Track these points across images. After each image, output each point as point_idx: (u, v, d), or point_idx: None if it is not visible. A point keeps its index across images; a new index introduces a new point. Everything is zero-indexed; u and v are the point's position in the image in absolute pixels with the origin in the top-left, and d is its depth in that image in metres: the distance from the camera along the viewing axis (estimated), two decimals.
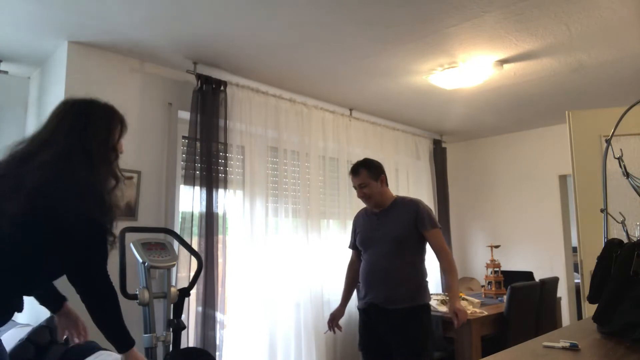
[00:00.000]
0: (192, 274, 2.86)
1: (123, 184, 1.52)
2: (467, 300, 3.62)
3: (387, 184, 2.69)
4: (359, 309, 2.70)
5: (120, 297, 2.43)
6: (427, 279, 2.70)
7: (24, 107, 3.40)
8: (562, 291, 4.83)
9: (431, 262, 5.15)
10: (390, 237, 2.57)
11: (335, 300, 4.08)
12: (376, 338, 2.59)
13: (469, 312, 3.33)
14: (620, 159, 1.83)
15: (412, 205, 2.61)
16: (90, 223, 1.41)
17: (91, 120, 1.48)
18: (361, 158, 4.53)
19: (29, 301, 3.16)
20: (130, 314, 2.64)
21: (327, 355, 3.87)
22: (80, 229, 1.39)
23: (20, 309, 1.54)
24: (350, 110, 4.48)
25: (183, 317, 2.70)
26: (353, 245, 2.84)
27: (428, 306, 2.61)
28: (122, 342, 1.53)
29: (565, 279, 4.93)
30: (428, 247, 2.72)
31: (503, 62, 3.35)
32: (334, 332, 2.80)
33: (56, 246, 1.40)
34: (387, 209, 2.64)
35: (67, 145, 1.39)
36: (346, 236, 4.22)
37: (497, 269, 4.14)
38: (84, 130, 1.45)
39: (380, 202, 2.64)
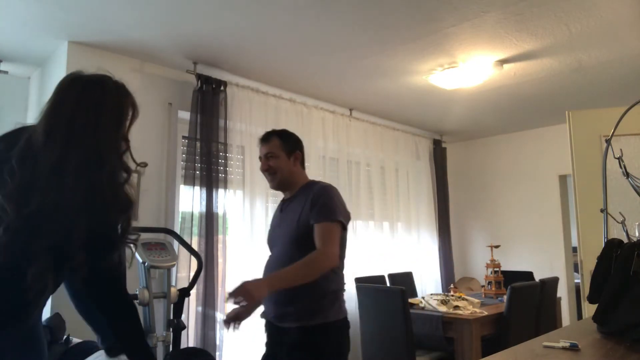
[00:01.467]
0: (192, 274, 2.86)
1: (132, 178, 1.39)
2: (467, 300, 3.61)
3: (302, 166, 2.14)
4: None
5: None
6: (342, 288, 2.03)
7: (24, 107, 3.40)
8: (562, 291, 4.83)
9: (432, 261, 5.19)
10: (284, 235, 2.01)
11: None
12: None
13: (468, 312, 3.33)
14: (620, 159, 1.83)
15: (311, 191, 1.99)
16: (109, 233, 1.30)
17: (102, 108, 1.34)
18: (361, 158, 4.60)
19: None
20: None
21: None
22: (100, 241, 1.28)
23: None
24: (350, 110, 4.48)
25: (183, 317, 2.69)
26: None
27: (335, 325, 1.92)
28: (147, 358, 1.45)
29: (565, 279, 4.93)
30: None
31: (503, 62, 3.35)
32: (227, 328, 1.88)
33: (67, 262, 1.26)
34: (292, 198, 2.09)
35: (77, 140, 1.26)
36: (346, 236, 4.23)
37: (497, 269, 4.14)
38: (93, 121, 1.30)
39: (287, 182, 2.09)
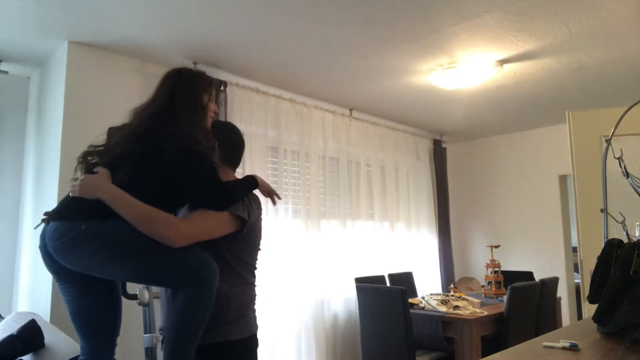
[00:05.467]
0: None
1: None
2: (467, 300, 3.62)
3: (225, 160, 1.88)
4: None
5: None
6: (253, 299, 1.73)
7: (24, 107, 3.40)
8: (562, 291, 4.84)
9: (432, 261, 5.19)
10: None
11: (335, 301, 4.10)
12: None
13: (468, 312, 3.33)
14: (620, 159, 1.83)
15: None
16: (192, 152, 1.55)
17: (180, 82, 1.69)
18: (361, 158, 4.61)
19: (30, 290, 3.13)
20: (130, 314, 2.64)
21: (327, 355, 3.87)
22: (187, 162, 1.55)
23: None
24: (350, 110, 4.48)
25: None
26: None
27: (239, 344, 1.63)
28: (249, 183, 1.79)
29: (565, 279, 4.93)
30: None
31: (503, 62, 3.35)
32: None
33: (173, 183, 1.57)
34: None
35: (161, 106, 1.63)
36: (347, 236, 4.24)
37: (497, 269, 4.14)
38: (174, 92, 1.66)
39: None
